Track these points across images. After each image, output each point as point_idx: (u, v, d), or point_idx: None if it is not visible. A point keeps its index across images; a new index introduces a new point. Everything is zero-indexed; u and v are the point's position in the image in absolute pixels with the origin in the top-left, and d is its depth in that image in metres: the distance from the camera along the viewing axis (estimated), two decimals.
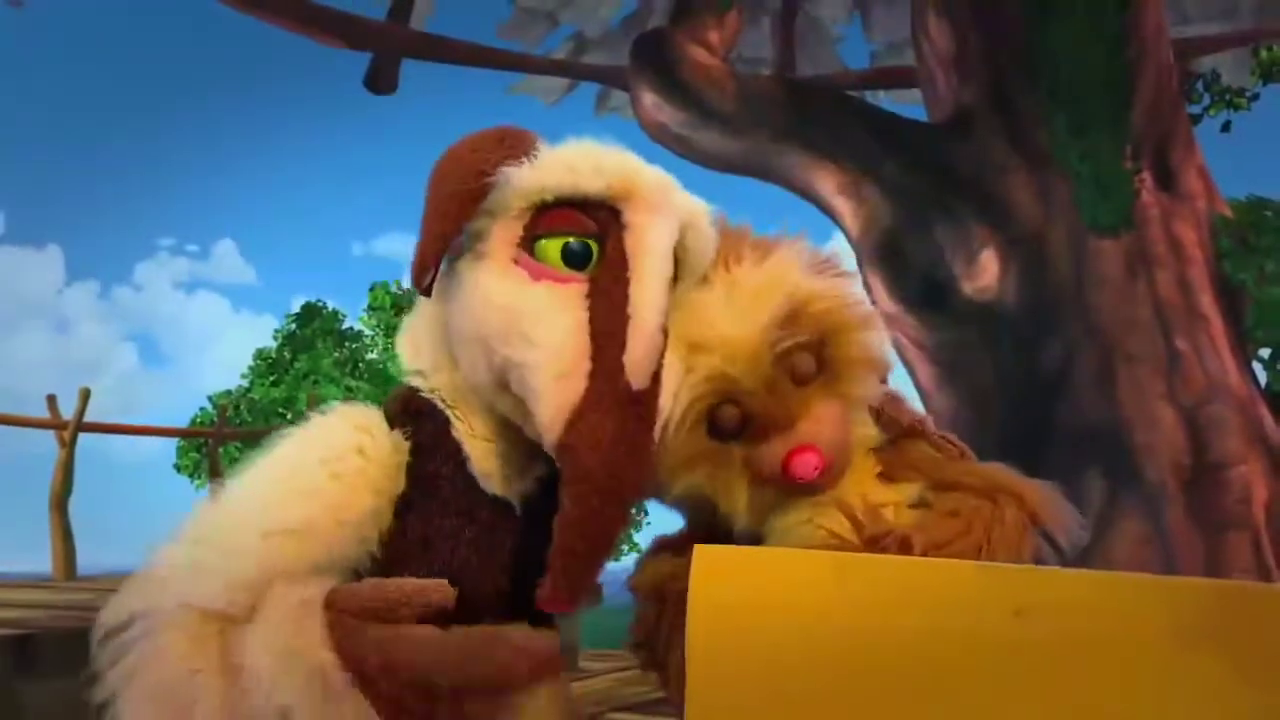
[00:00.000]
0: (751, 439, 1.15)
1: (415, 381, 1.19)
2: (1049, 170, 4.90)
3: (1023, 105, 5.00)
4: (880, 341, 1.23)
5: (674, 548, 1.24)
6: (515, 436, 1.13)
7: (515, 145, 1.09)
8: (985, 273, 4.90)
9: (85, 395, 7.73)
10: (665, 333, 1.07)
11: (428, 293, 1.11)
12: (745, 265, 1.18)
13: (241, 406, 18.41)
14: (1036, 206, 4.91)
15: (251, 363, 20.49)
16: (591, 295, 1.06)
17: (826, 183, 5.42)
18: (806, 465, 1.12)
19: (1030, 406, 4.70)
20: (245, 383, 20.10)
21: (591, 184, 1.07)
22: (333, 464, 1.08)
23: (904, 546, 1.05)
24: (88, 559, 7.20)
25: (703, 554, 0.97)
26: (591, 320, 1.04)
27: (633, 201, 1.08)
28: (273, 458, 1.11)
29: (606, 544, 1.04)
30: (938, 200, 5.08)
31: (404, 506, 1.12)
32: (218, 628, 0.99)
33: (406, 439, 1.14)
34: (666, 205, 1.10)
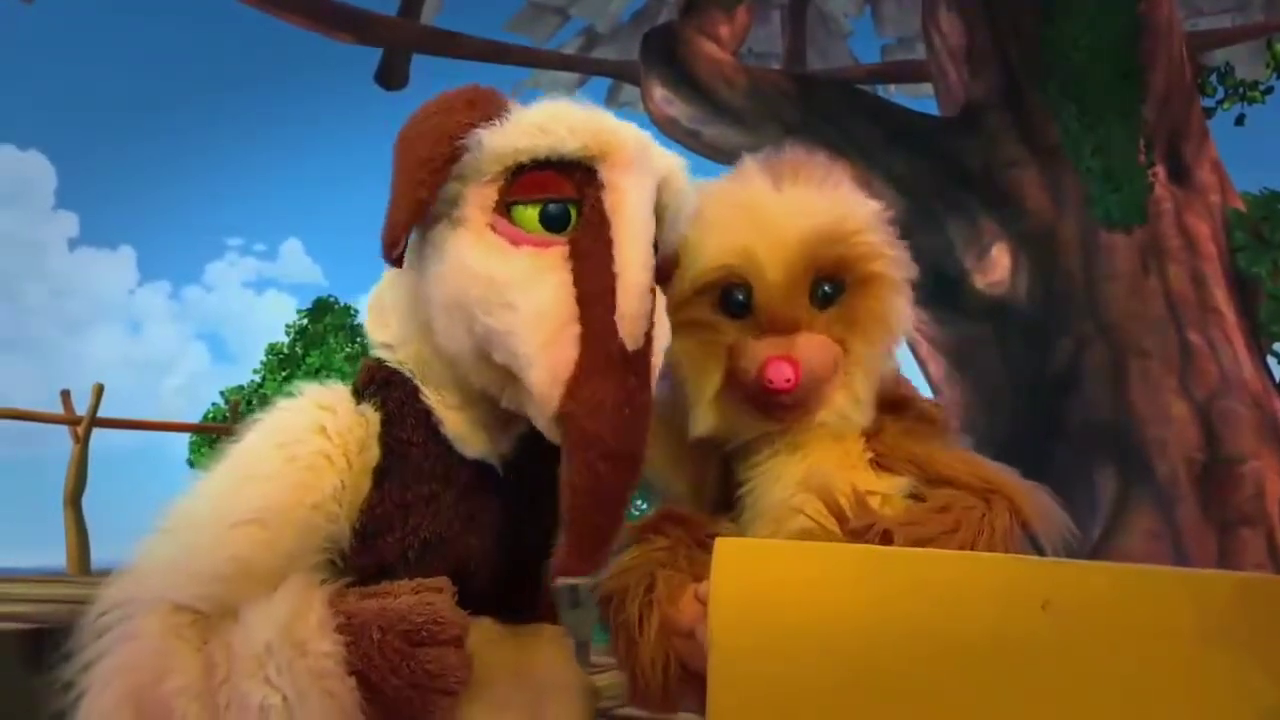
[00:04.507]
0: (746, 329, 1.16)
1: (381, 354, 1.17)
2: (1060, 165, 4.88)
3: (1034, 99, 4.98)
4: (903, 310, 1.21)
5: (636, 540, 1.21)
6: (489, 404, 1.10)
7: (486, 106, 1.06)
8: (996, 267, 4.88)
9: (98, 391, 7.78)
10: (654, 291, 1.03)
11: (398, 263, 1.08)
12: (809, 180, 1.21)
13: (254, 401, 18.49)
14: (1047, 201, 4.89)
15: (264, 358, 20.61)
16: (573, 257, 1.02)
17: None
18: (782, 372, 1.11)
19: (1041, 401, 4.68)
20: (258, 378, 20.21)
21: (566, 144, 1.04)
22: (291, 447, 1.06)
23: (885, 541, 1.04)
24: (104, 555, 7.25)
25: (724, 547, 0.96)
26: (576, 282, 1.01)
27: (609, 160, 1.04)
28: (239, 446, 1.09)
29: (619, 508, 1.00)
30: (948, 195, 5.06)
31: (380, 475, 1.10)
32: (190, 619, 0.98)
33: (376, 410, 1.12)
34: (644, 162, 1.07)
